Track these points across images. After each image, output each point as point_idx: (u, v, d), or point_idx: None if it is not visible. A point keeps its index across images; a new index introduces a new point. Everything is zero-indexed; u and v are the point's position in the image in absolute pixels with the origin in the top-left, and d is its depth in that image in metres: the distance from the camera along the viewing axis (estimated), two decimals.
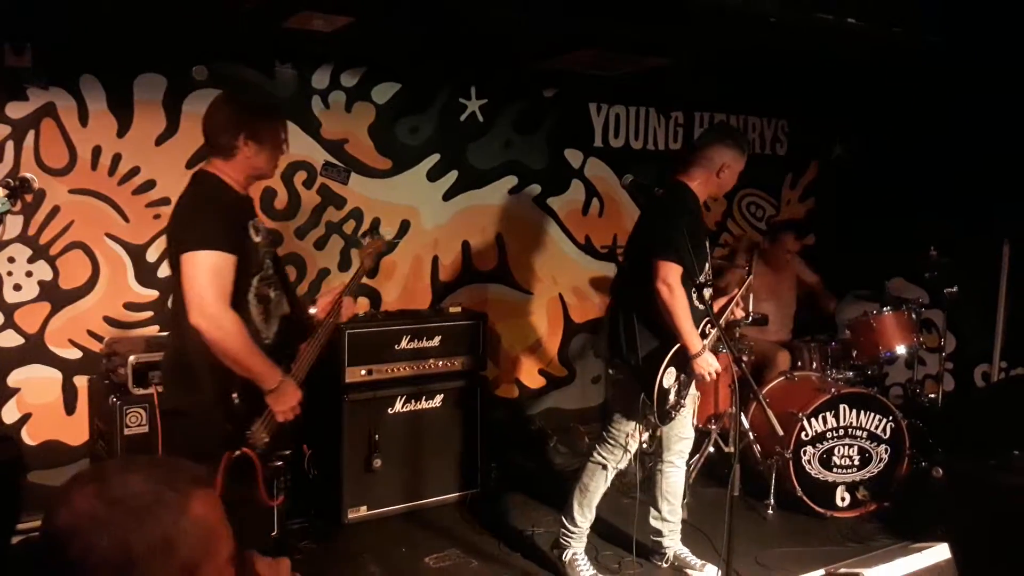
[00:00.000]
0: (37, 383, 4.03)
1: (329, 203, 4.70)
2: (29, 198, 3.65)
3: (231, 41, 4.21)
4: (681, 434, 3.57)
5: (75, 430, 4.09)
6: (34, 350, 4.01)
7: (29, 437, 4.02)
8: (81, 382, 4.09)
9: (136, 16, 3.79)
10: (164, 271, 4.25)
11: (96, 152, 4.07)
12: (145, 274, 4.23)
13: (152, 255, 4.24)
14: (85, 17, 3.73)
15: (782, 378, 4.60)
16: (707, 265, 3.38)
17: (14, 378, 3.98)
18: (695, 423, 3.74)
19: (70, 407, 4.10)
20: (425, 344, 4.26)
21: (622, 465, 3.50)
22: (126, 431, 3.61)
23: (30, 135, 3.90)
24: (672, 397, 3.31)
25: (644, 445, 3.62)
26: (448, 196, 5.07)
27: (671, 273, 3.17)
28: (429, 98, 4.94)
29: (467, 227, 5.16)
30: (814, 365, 4.89)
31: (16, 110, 3.87)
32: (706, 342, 3.31)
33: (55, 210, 3.99)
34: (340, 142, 4.69)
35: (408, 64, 4.76)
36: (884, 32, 3.98)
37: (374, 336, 4.14)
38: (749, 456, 4.47)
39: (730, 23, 3.86)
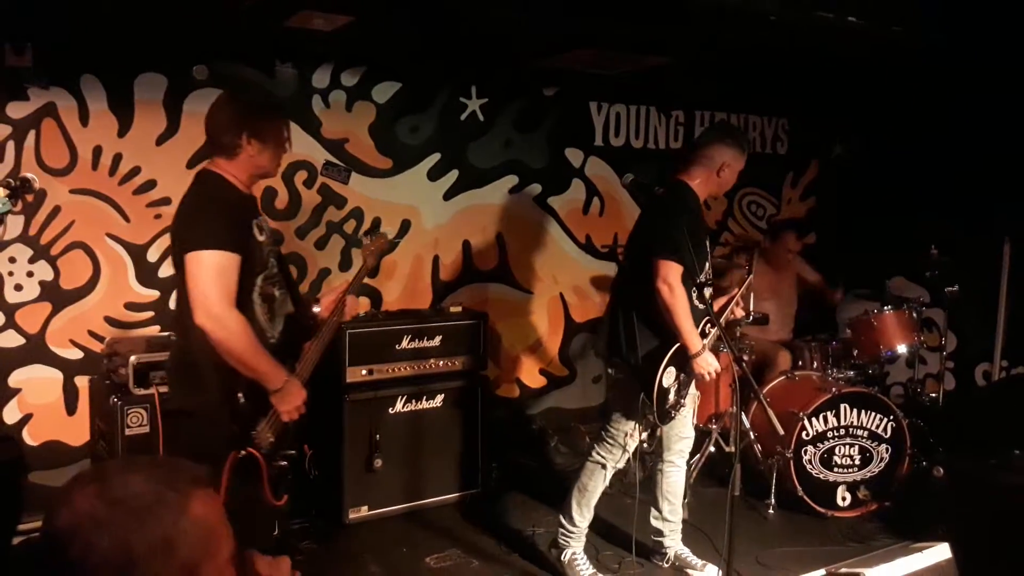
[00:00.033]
0: (38, 383, 4.03)
1: (330, 203, 4.70)
2: (30, 198, 3.66)
3: (231, 40, 4.21)
4: (681, 433, 3.57)
5: (76, 430, 4.09)
6: (35, 350, 4.01)
7: (30, 437, 4.03)
8: (82, 382, 4.09)
9: (136, 16, 3.79)
10: (165, 271, 4.25)
11: (97, 152, 4.07)
12: (146, 274, 4.23)
13: (153, 255, 4.24)
14: (85, 17, 3.73)
15: (783, 377, 4.60)
16: (707, 264, 3.38)
17: (15, 378, 3.98)
18: (695, 422, 3.74)
19: (71, 407, 4.10)
20: (426, 344, 4.26)
21: (621, 465, 3.50)
22: (127, 431, 3.61)
23: (31, 135, 3.91)
24: (672, 396, 3.31)
25: (644, 445, 3.63)
26: (449, 195, 5.07)
27: (671, 272, 3.17)
28: (429, 97, 4.94)
29: (468, 226, 5.16)
30: (815, 364, 4.90)
31: (17, 110, 3.87)
32: (706, 341, 3.31)
33: (56, 210, 4.00)
34: (340, 141, 4.69)
35: (408, 63, 4.76)
36: (884, 31, 3.98)
37: (375, 336, 4.14)
38: (750, 456, 4.47)
39: (730, 22, 3.86)
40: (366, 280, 4.68)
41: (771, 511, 4.27)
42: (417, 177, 4.96)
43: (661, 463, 3.62)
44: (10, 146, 3.86)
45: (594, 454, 3.50)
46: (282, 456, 2.62)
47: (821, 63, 4.91)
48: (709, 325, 3.35)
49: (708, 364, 3.27)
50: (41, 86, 3.89)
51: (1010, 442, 3.74)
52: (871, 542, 3.97)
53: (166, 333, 4.17)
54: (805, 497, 4.22)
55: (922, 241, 4.96)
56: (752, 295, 4.56)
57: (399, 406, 4.16)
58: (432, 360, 4.27)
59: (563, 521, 3.56)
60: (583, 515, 3.53)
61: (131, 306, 4.22)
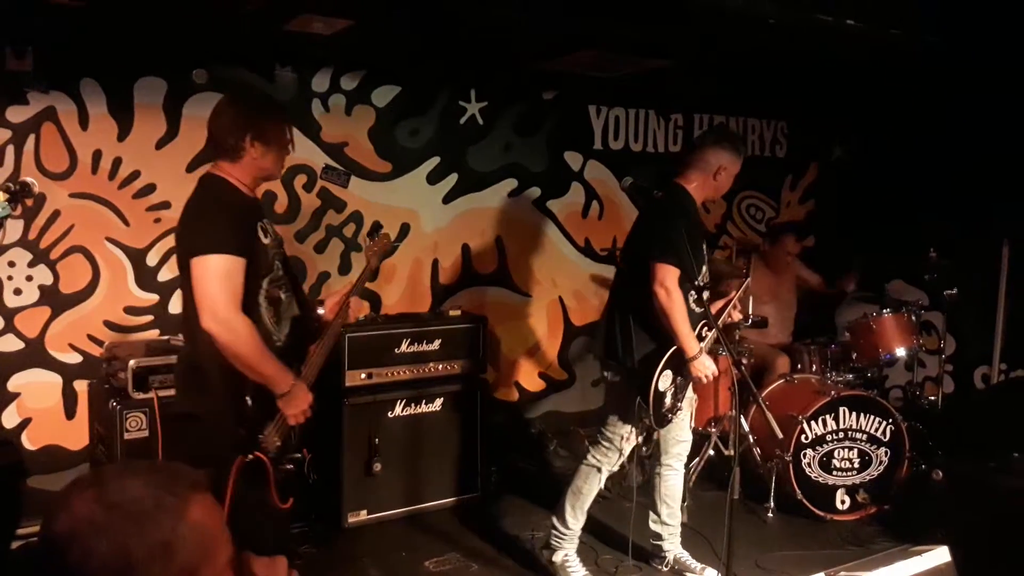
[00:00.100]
0: (37, 388, 4.03)
1: (329, 206, 4.70)
2: (29, 202, 3.63)
3: (231, 44, 4.21)
4: (679, 437, 3.57)
5: (75, 435, 4.09)
6: (34, 354, 4.01)
7: (29, 442, 4.02)
8: (81, 386, 4.09)
9: (136, 20, 3.80)
10: (164, 275, 4.25)
11: (96, 156, 4.07)
12: (145, 278, 4.23)
13: (152, 259, 4.24)
14: (85, 21, 3.73)
15: (782, 381, 4.60)
16: (704, 268, 3.38)
17: (14, 383, 3.98)
18: (694, 426, 3.74)
19: (70, 411, 4.10)
20: (425, 347, 4.26)
21: (616, 468, 3.50)
22: (126, 435, 3.61)
23: (30, 139, 3.91)
24: (668, 400, 3.31)
25: (643, 449, 3.62)
26: (448, 199, 5.07)
27: (668, 276, 3.17)
28: (429, 101, 4.94)
29: (467, 230, 5.16)
30: (814, 367, 4.89)
31: (17, 114, 3.88)
32: (703, 344, 3.31)
33: (55, 214, 4.00)
34: (340, 145, 4.69)
35: (408, 67, 4.77)
36: (883, 33, 3.99)
37: (374, 339, 4.13)
38: (749, 459, 4.46)
39: (729, 24, 3.87)
40: (366, 284, 4.69)
41: (770, 515, 4.27)
42: (416, 181, 4.96)
43: (659, 466, 3.62)
44: (10, 150, 3.87)
45: (589, 457, 3.50)
46: (288, 460, 2.62)
47: (820, 66, 4.92)
48: (706, 328, 3.35)
49: (705, 367, 3.28)
50: (41, 90, 3.89)
51: (1009, 445, 3.75)
52: (870, 545, 3.96)
53: (165, 337, 4.17)
54: (804, 500, 4.22)
55: (921, 244, 4.97)
56: (751, 298, 4.57)
57: (398, 410, 4.16)
58: (431, 364, 4.27)
59: (556, 523, 3.56)
60: (576, 518, 3.52)
61: (130, 310, 4.22)
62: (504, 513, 4.31)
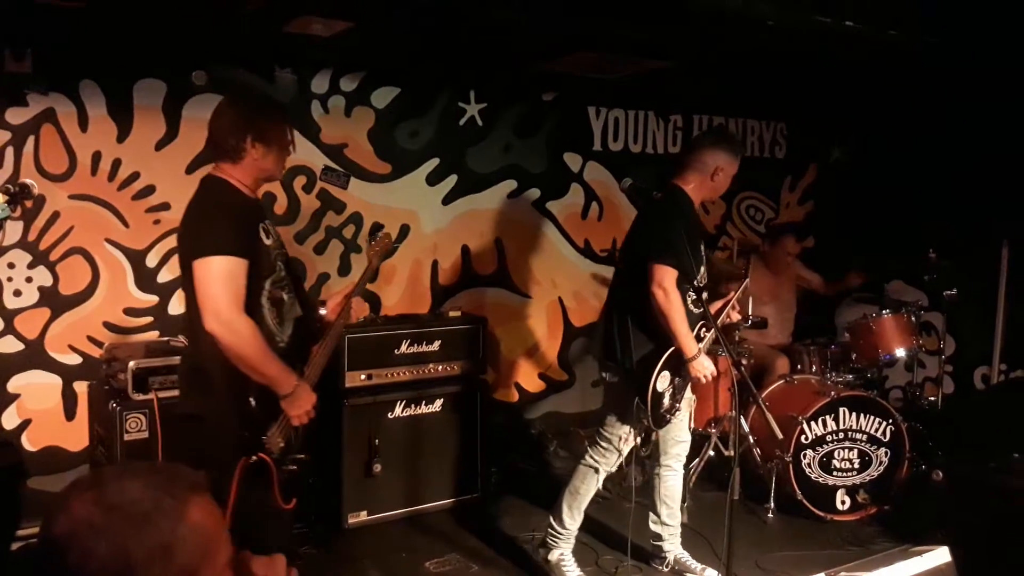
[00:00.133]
0: (37, 389, 4.03)
1: (329, 208, 4.70)
2: (29, 204, 3.65)
3: (230, 46, 4.21)
4: (677, 437, 3.57)
5: (75, 436, 4.09)
6: (34, 356, 4.01)
7: (29, 443, 4.02)
8: (81, 388, 4.09)
9: (135, 21, 3.80)
10: (164, 276, 4.25)
11: (96, 158, 4.07)
12: (145, 279, 4.23)
13: (152, 260, 4.24)
14: (85, 22, 3.73)
15: (782, 381, 4.60)
16: (702, 268, 3.38)
17: (14, 384, 3.98)
18: (693, 426, 3.74)
19: (70, 413, 4.10)
20: (425, 348, 4.26)
21: (613, 469, 3.50)
22: (126, 437, 3.61)
23: (30, 141, 3.91)
24: (666, 401, 3.31)
25: (642, 451, 3.62)
26: (448, 200, 5.07)
27: (666, 277, 3.17)
28: (428, 102, 4.95)
29: (467, 231, 5.17)
30: (813, 368, 4.89)
31: (16, 116, 3.88)
32: (702, 345, 3.31)
33: (55, 216, 4.00)
34: (340, 146, 4.70)
35: (407, 68, 4.77)
36: (882, 34, 3.99)
37: (374, 340, 4.14)
38: (749, 460, 4.46)
39: (729, 26, 3.87)
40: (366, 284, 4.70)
41: (770, 515, 4.27)
42: (416, 182, 4.96)
43: (658, 467, 3.62)
44: (9, 152, 3.87)
45: (587, 458, 3.50)
46: (292, 460, 2.62)
47: (819, 67, 4.93)
48: (704, 329, 3.35)
49: (704, 367, 3.28)
50: (40, 92, 3.89)
51: (1009, 445, 3.75)
52: (870, 546, 3.96)
53: (165, 338, 4.18)
54: (804, 501, 4.22)
55: (920, 244, 4.97)
56: (751, 299, 4.57)
57: (398, 411, 4.16)
58: (431, 365, 4.27)
59: (552, 522, 3.56)
60: (573, 518, 3.53)
61: (130, 311, 4.22)
62: (504, 514, 4.31)
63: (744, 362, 4.48)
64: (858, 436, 4.33)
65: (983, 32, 4.12)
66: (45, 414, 4.05)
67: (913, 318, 4.82)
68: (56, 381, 4.06)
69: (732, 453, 3.86)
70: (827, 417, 4.28)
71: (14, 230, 3.88)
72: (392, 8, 3.73)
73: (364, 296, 4.77)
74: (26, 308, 3.98)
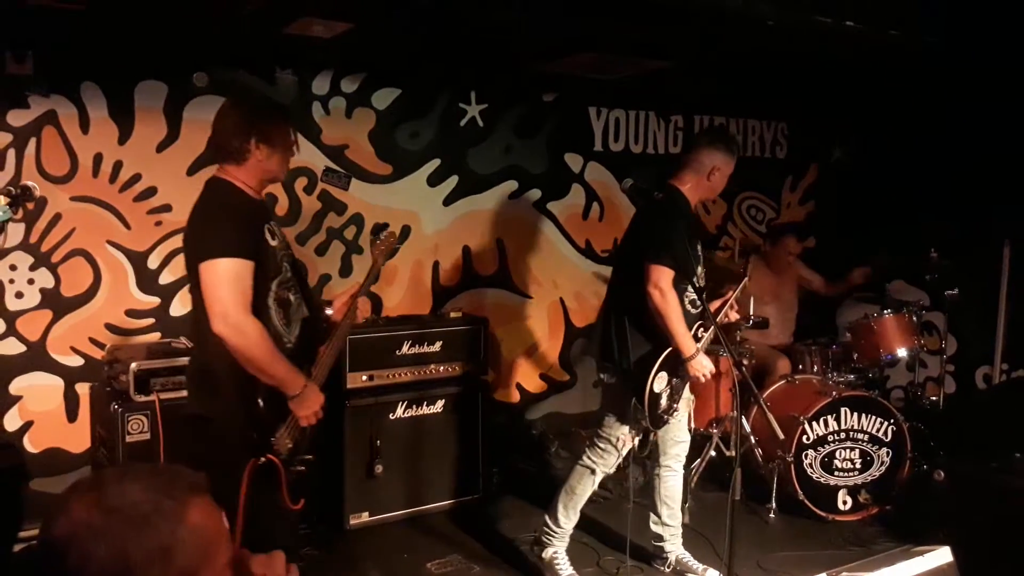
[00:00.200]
0: (39, 391, 4.03)
1: (330, 209, 4.71)
2: (31, 206, 3.66)
3: (231, 48, 4.22)
4: (676, 438, 3.57)
5: (77, 437, 4.10)
6: (36, 358, 4.02)
7: (31, 445, 4.03)
8: (83, 389, 4.10)
9: (136, 23, 3.81)
10: (165, 278, 4.26)
11: (97, 159, 4.08)
12: (146, 281, 4.24)
13: (153, 262, 4.25)
14: (85, 25, 3.74)
15: (783, 381, 4.60)
16: (700, 268, 3.38)
17: (16, 386, 3.98)
18: (694, 427, 3.74)
19: (72, 414, 4.10)
20: (426, 349, 4.27)
21: (611, 470, 3.50)
22: (128, 438, 3.62)
23: (31, 143, 3.92)
24: (664, 401, 3.31)
25: (642, 453, 3.62)
26: (449, 201, 5.08)
27: (663, 277, 3.17)
28: (429, 103, 4.95)
29: (468, 232, 5.17)
30: (815, 368, 4.89)
31: (17, 118, 3.88)
32: (700, 344, 3.31)
33: (56, 218, 4.01)
34: (341, 148, 4.70)
35: (408, 69, 4.77)
36: (882, 34, 3.99)
37: (375, 341, 4.14)
38: (751, 460, 4.46)
39: (729, 26, 3.87)
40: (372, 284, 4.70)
41: (772, 515, 4.27)
42: (417, 183, 4.96)
43: (658, 468, 3.62)
44: (11, 154, 3.88)
45: (585, 458, 3.50)
46: (300, 461, 2.63)
47: (820, 67, 4.92)
48: (702, 329, 3.35)
49: (703, 367, 3.28)
50: (42, 94, 3.90)
51: (1011, 445, 3.74)
52: (872, 546, 3.96)
53: (167, 340, 4.18)
54: (806, 501, 4.22)
55: (922, 244, 4.97)
56: (752, 299, 4.57)
57: (400, 412, 4.16)
58: (432, 365, 4.27)
59: (548, 521, 3.57)
60: (568, 517, 3.53)
61: (132, 313, 4.22)
62: (505, 515, 4.32)
63: (745, 362, 4.48)
64: (860, 436, 4.33)
65: (983, 32, 4.12)
66: (47, 416, 4.05)
67: (915, 318, 4.82)
68: (58, 383, 4.07)
69: (733, 453, 3.86)
70: (829, 417, 4.28)
71: (16, 232, 3.89)
72: (392, 9, 3.73)
73: (366, 297, 4.82)
74: (28, 310, 3.99)
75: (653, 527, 3.66)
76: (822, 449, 4.27)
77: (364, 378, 4.08)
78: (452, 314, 4.54)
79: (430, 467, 4.27)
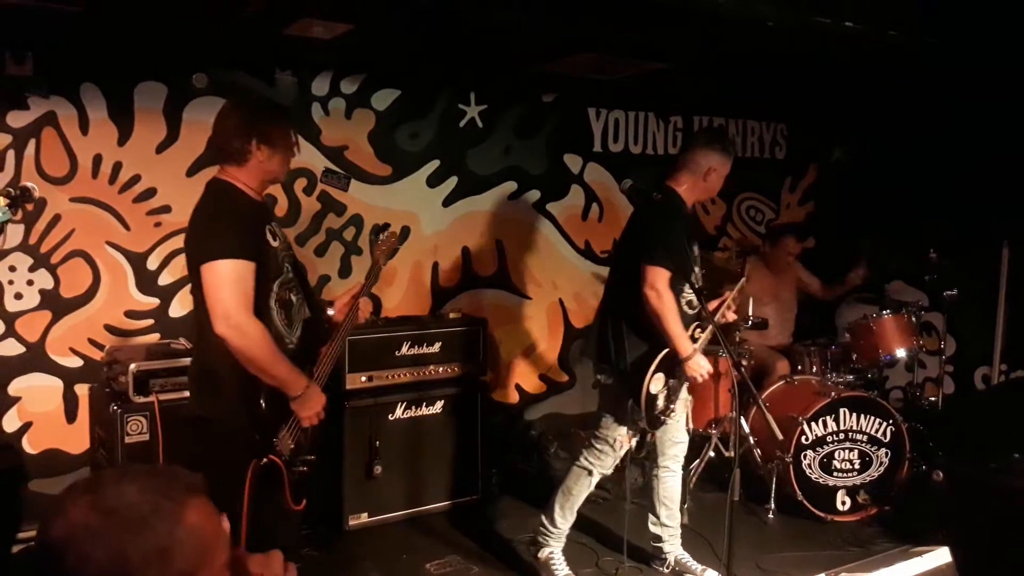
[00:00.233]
0: (38, 392, 4.03)
1: (329, 210, 4.71)
2: (30, 207, 3.65)
3: (231, 49, 4.22)
4: (675, 438, 3.57)
5: (76, 438, 4.09)
6: (35, 359, 4.01)
7: (30, 446, 4.03)
8: (82, 390, 4.10)
9: (136, 24, 3.81)
10: (165, 279, 4.26)
11: (97, 160, 4.08)
12: (146, 282, 4.24)
13: (153, 263, 4.25)
14: (85, 26, 3.74)
15: (782, 382, 4.60)
16: (696, 269, 3.38)
17: (15, 387, 3.98)
18: (693, 427, 3.74)
19: (71, 415, 4.10)
20: (425, 350, 4.27)
21: (608, 471, 3.50)
22: (127, 439, 3.62)
23: (31, 144, 3.92)
24: (661, 402, 3.31)
25: (639, 454, 3.62)
26: (448, 202, 5.08)
27: (659, 278, 3.17)
28: (429, 104, 4.95)
29: (467, 233, 5.17)
30: (814, 369, 4.89)
31: (17, 119, 3.88)
32: (697, 345, 3.31)
33: (56, 219, 4.01)
34: (340, 149, 4.70)
35: (407, 70, 4.78)
36: (882, 35, 3.99)
37: (374, 342, 4.14)
38: (749, 460, 4.46)
39: (728, 26, 3.87)
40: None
41: (771, 516, 4.28)
42: (416, 184, 4.96)
43: (656, 468, 3.62)
44: (10, 155, 3.88)
45: (582, 459, 3.50)
46: (302, 461, 2.63)
47: (819, 68, 4.92)
48: (699, 330, 3.36)
49: (700, 366, 3.28)
50: (41, 95, 3.90)
51: (1010, 446, 3.75)
52: (871, 546, 3.96)
53: (166, 341, 4.18)
54: (805, 501, 4.22)
55: (921, 245, 4.97)
56: (752, 300, 4.57)
57: (399, 412, 4.16)
58: (432, 366, 4.28)
59: (544, 521, 3.57)
60: (565, 517, 3.53)
61: (131, 314, 4.22)
62: (504, 515, 4.32)
63: (744, 363, 4.48)
64: (858, 437, 4.33)
65: (983, 33, 4.12)
66: (46, 417, 4.05)
67: (913, 318, 4.82)
68: (57, 384, 4.07)
69: (732, 454, 3.86)
70: (827, 418, 4.28)
71: (15, 233, 3.89)
72: (392, 10, 3.73)
73: (367, 297, 4.82)
74: (27, 311, 3.99)
75: (652, 528, 3.66)
76: (821, 450, 4.28)
77: (363, 379, 4.09)
78: (451, 315, 4.55)
79: (429, 468, 4.27)
